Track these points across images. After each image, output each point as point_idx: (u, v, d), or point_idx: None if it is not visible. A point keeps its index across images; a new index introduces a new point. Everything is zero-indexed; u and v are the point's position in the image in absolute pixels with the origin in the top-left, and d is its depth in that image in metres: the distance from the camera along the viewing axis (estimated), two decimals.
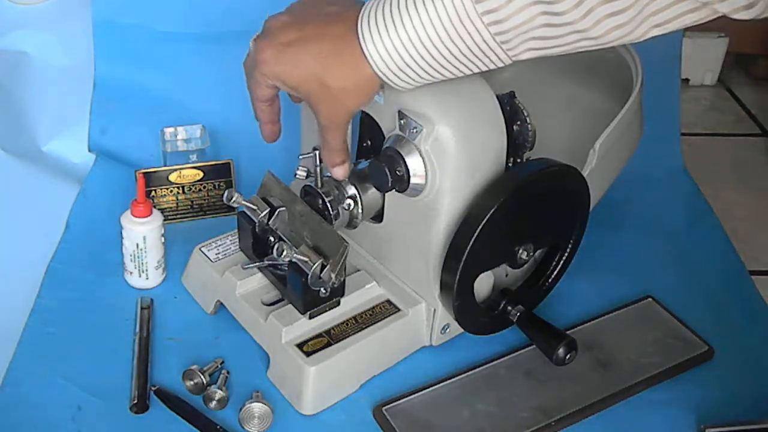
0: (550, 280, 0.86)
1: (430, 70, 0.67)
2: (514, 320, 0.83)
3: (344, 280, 0.81)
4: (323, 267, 0.77)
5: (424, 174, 0.77)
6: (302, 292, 0.78)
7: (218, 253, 0.90)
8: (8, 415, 0.77)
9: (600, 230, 0.90)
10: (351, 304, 0.83)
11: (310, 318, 0.80)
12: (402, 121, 0.77)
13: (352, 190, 0.82)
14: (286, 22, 0.72)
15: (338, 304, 0.82)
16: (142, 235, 0.89)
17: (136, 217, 0.88)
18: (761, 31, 1.96)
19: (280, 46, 0.71)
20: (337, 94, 0.70)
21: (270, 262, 0.81)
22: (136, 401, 0.77)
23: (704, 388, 0.83)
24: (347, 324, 0.82)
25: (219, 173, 1.03)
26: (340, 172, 0.78)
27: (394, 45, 0.66)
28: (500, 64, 0.67)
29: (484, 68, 0.67)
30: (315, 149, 0.80)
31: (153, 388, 0.79)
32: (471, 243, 0.75)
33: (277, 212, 0.82)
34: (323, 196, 0.81)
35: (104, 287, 0.92)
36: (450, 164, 0.76)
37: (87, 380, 0.80)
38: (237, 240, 0.88)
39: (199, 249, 0.90)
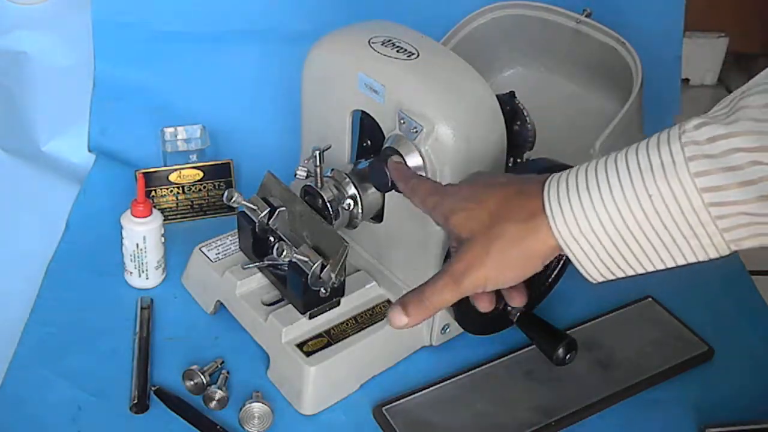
0: (550, 280, 0.86)
1: (624, 256, 0.59)
2: (514, 320, 0.83)
3: (344, 280, 0.81)
4: (323, 267, 0.77)
5: (424, 174, 0.77)
6: (302, 292, 0.78)
7: (218, 253, 0.90)
8: (8, 415, 0.77)
9: None
10: (351, 304, 0.83)
11: (310, 318, 0.80)
12: (402, 121, 0.77)
13: (352, 190, 0.82)
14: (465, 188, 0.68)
15: (338, 304, 0.82)
16: (142, 235, 0.88)
17: (136, 217, 0.88)
18: (761, 31, 1.96)
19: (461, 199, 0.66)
20: (503, 247, 0.61)
21: (270, 262, 0.81)
22: (136, 401, 0.77)
23: (704, 388, 0.83)
24: (347, 324, 0.82)
25: (219, 173, 1.03)
26: (401, 321, 0.65)
27: (584, 208, 0.58)
28: (706, 256, 0.59)
29: (682, 261, 0.59)
30: (315, 150, 0.80)
31: (153, 388, 0.79)
32: None
33: (277, 212, 0.82)
34: (323, 196, 0.81)
35: (104, 287, 0.92)
36: (450, 164, 0.76)
37: (87, 380, 0.80)
38: (237, 240, 0.88)
39: (199, 249, 0.90)
